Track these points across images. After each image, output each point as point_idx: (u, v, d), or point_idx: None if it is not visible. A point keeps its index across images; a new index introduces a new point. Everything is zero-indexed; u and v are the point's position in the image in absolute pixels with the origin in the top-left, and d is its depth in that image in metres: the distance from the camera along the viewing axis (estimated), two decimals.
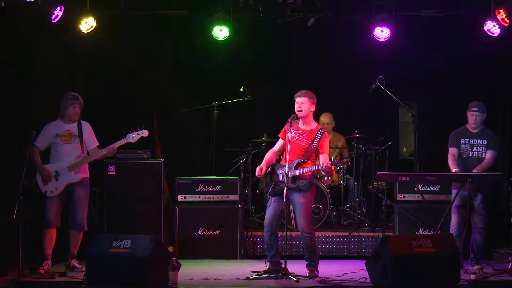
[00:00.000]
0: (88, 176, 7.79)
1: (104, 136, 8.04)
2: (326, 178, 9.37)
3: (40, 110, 8.66)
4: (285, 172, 7.09)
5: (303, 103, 7.26)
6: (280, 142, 7.48)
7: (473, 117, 7.70)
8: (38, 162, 7.62)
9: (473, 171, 7.52)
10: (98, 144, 7.86)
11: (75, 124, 7.76)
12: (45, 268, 7.40)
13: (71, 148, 7.68)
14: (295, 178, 7.18)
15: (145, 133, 7.75)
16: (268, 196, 7.30)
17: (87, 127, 7.83)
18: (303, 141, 7.28)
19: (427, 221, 8.32)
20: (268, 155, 7.47)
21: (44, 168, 7.59)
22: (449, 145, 7.81)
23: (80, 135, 7.71)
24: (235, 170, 9.39)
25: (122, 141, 7.72)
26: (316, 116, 8.42)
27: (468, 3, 9.05)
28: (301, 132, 7.32)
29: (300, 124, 7.36)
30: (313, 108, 7.35)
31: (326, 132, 7.36)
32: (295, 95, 7.32)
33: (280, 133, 7.48)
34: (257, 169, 7.33)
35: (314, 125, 7.40)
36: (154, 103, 9.93)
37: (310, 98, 7.29)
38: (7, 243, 7.76)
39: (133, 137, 7.72)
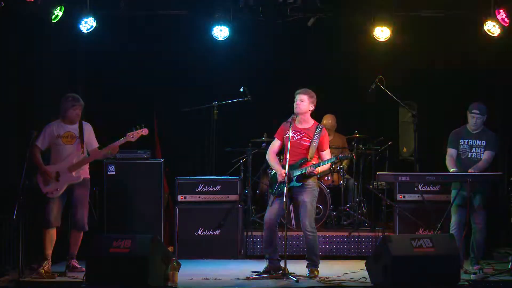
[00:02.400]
0: (88, 176, 7.79)
1: (104, 136, 8.03)
2: (326, 177, 9.41)
3: (40, 110, 8.67)
4: (288, 172, 7.11)
5: (302, 101, 7.27)
6: (277, 143, 7.47)
7: (474, 120, 7.68)
8: (40, 162, 7.61)
9: (469, 171, 7.51)
10: (98, 145, 7.86)
11: (76, 125, 7.75)
12: (45, 268, 7.38)
13: (72, 149, 7.68)
14: (300, 176, 7.20)
15: (145, 131, 7.75)
16: (271, 195, 7.31)
17: (88, 128, 7.82)
18: (304, 139, 7.28)
19: (427, 221, 8.31)
20: (274, 157, 7.47)
21: (46, 169, 7.58)
22: (447, 145, 7.81)
23: (81, 136, 7.71)
24: (235, 170, 9.39)
25: (122, 140, 7.71)
26: (319, 118, 8.44)
27: (468, 3, 9.05)
28: (300, 131, 7.32)
29: (298, 123, 7.36)
30: (311, 107, 7.35)
31: (324, 128, 7.40)
32: (296, 92, 7.33)
33: (277, 134, 7.48)
34: (280, 175, 7.19)
35: (311, 122, 7.41)
36: (154, 103, 9.93)
37: (310, 97, 7.30)
38: (7, 243, 7.76)
39: (133, 135, 7.71)
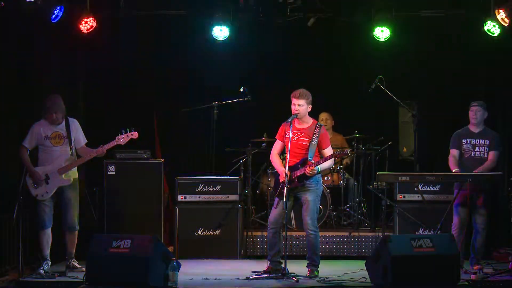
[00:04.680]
0: (77, 176, 7.73)
1: (104, 137, 8.00)
2: (326, 177, 9.41)
3: (40, 111, 8.65)
4: (289, 173, 7.12)
5: (300, 106, 7.26)
6: (279, 144, 7.48)
7: (473, 112, 7.69)
8: (29, 164, 7.52)
9: (475, 171, 7.51)
10: (86, 141, 7.77)
11: (63, 124, 7.65)
12: (45, 268, 7.39)
13: (61, 151, 7.58)
14: (301, 177, 7.19)
15: (135, 135, 7.70)
16: (276, 197, 7.31)
17: (74, 125, 7.71)
18: (303, 140, 7.28)
19: (427, 221, 8.32)
20: (278, 158, 7.46)
21: (35, 171, 7.51)
22: (450, 146, 7.82)
23: (69, 135, 7.62)
24: (235, 170, 9.39)
25: (112, 143, 7.66)
26: (315, 116, 8.43)
27: (468, 3, 9.05)
28: (299, 131, 7.32)
29: (296, 123, 7.36)
30: (309, 109, 7.35)
31: (323, 126, 7.39)
32: (292, 95, 7.31)
33: (278, 135, 7.48)
34: (281, 176, 7.22)
35: (310, 121, 7.40)
36: (154, 103, 9.93)
37: (307, 100, 7.28)
38: (7, 243, 7.75)
39: (123, 139, 7.66)
